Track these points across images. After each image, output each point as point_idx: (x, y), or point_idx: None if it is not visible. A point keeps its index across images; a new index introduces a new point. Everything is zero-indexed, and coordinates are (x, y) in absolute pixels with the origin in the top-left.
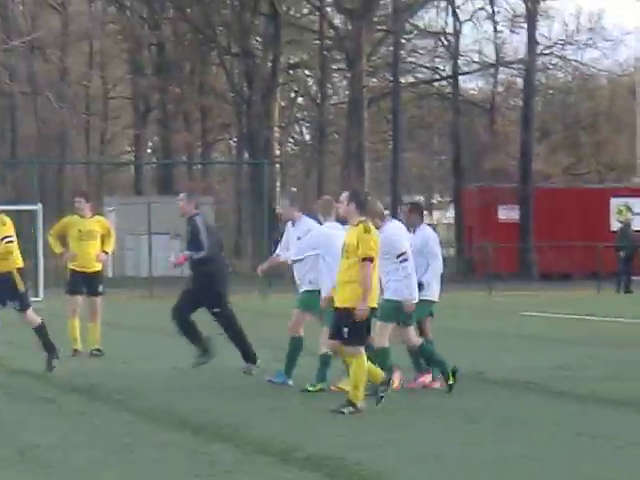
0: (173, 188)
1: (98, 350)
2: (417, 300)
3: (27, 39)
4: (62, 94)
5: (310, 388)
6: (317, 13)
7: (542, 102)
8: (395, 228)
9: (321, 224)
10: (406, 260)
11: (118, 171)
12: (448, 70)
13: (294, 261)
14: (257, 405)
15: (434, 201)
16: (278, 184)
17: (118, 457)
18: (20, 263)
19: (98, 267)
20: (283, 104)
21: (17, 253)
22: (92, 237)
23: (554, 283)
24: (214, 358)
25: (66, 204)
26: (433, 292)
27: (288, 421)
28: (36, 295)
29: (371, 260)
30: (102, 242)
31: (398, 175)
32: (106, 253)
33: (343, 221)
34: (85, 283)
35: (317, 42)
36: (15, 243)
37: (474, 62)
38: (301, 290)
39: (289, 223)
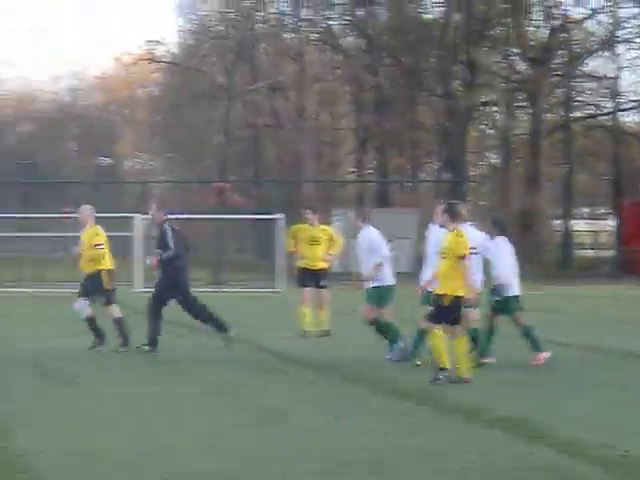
0: (389, 202)
1: (326, 332)
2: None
3: (270, 82)
4: (298, 126)
5: (418, 362)
6: (505, 62)
7: None
8: (469, 231)
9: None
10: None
11: (344, 188)
12: (610, 107)
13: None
14: None
15: (598, 212)
16: (471, 199)
17: (336, 420)
18: (109, 265)
19: (322, 265)
20: (476, 134)
21: (107, 257)
22: (317, 242)
23: None
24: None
25: (301, 215)
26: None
27: (476, 389)
28: (276, 287)
29: (465, 258)
30: (330, 245)
31: (571, 193)
32: (332, 255)
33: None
34: (312, 278)
35: (504, 85)
36: (105, 249)
37: (631, 100)
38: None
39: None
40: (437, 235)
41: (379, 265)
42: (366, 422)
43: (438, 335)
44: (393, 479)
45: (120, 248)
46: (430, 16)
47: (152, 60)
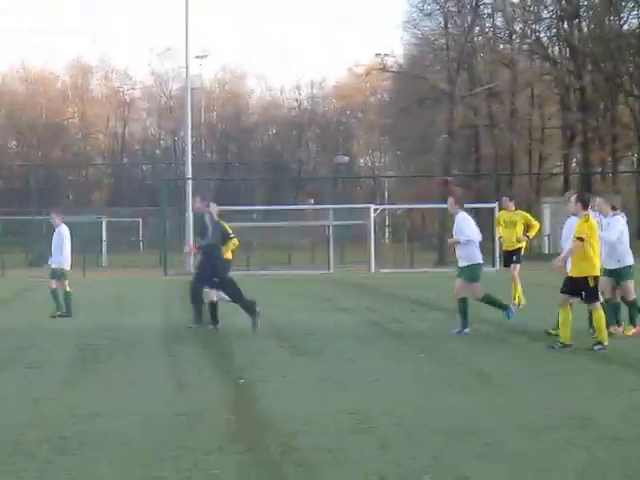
0: (592, 191)
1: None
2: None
3: (487, 87)
4: (512, 126)
5: (552, 331)
6: None
7: None
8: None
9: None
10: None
11: (551, 179)
12: None
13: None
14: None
15: None
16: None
17: (540, 379)
18: (229, 256)
19: (517, 245)
20: None
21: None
22: (512, 225)
23: None
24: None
25: (515, 204)
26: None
27: None
28: (493, 266)
29: (580, 240)
30: (528, 228)
31: None
32: (528, 237)
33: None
34: (507, 257)
35: None
36: (234, 240)
37: None
38: (459, 265)
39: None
40: (572, 222)
41: (458, 243)
42: (574, 383)
43: (600, 314)
44: (599, 434)
45: (357, 235)
46: (628, 27)
47: (382, 70)
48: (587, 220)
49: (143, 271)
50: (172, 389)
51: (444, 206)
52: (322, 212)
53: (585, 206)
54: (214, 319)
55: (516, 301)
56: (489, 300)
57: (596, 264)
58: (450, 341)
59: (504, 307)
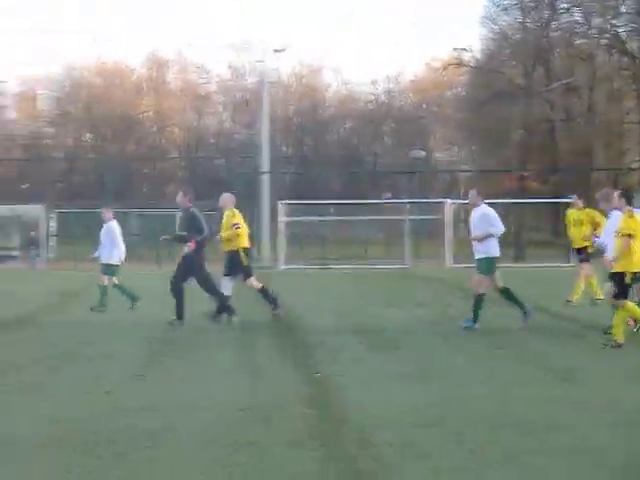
0: None
1: (569, 302)
2: None
3: (564, 82)
4: (589, 121)
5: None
6: None
7: None
8: None
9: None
10: None
11: (629, 174)
12: None
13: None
14: None
15: None
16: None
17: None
18: (245, 244)
19: (584, 244)
20: None
21: (243, 237)
22: (579, 224)
23: None
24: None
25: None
26: None
27: None
28: (569, 261)
29: (629, 236)
30: (596, 226)
31: None
32: (596, 236)
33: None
34: (577, 255)
35: None
36: (242, 229)
37: None
38: (476, 258)
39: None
40: (616, 218)
41: (490, 235)
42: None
43: (630, 305)
44: None
45: (433, 229)
46: None
47: (459, 65)
48: (631, 215)
49: (219, 265)
50: (246, 382)
51: (521, 201)
52: (398, 206)
53: (629, 201)
54: (273, 303)
55: (574, 298)
56: (479, 301)
57: (636, 261)
58: (528, 337)
59: (476, 315)
